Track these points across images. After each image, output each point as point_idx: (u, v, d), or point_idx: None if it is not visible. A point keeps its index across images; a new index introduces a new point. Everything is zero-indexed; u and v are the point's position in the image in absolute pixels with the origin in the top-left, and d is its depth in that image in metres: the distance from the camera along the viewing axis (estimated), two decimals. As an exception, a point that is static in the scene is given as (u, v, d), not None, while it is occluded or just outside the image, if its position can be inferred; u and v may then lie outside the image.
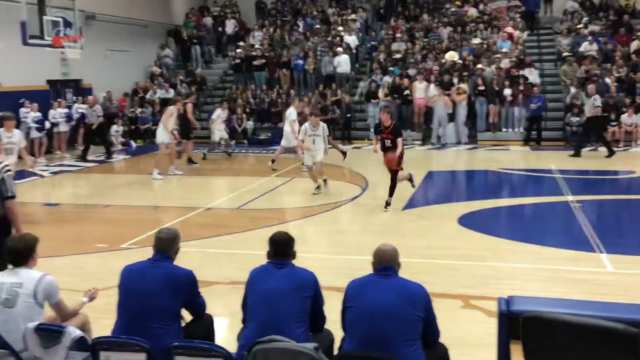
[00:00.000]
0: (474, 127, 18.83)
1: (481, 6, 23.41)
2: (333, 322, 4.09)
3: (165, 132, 13.43)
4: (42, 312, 3.88)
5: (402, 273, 3.85)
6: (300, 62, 21.40)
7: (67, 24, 14.62)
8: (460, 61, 19.91)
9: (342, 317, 3.81)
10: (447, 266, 7.17)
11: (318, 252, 7.56)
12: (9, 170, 5.40)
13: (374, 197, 11.50)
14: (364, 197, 11.34)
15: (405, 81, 19.22)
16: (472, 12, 23.11)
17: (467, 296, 6.15)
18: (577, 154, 15.60)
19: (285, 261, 4.02)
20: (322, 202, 10.79)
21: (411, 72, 19.95)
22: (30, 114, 16.40)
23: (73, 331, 3.52)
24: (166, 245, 4.08)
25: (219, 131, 16.36)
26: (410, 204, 10.62)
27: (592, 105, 15.48)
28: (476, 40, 21.07)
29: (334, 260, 7.50)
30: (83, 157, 16.78)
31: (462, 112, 18.39)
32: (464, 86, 18.51)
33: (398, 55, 21.10)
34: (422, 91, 18.81)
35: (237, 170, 15.39)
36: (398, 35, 22.16)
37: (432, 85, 18.78)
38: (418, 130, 19.22)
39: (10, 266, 4.06)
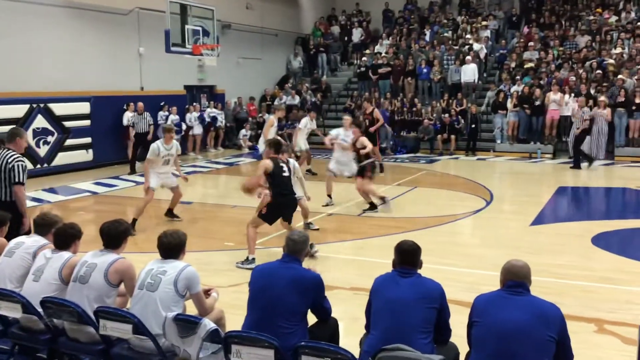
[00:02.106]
0: (612, 142, 17.66)
1: (623, 14, 21.94)
2: (456, 336, 4.00)
3: (262, 143, 13.78)
4: (180, 302, 4.10)
5: (532, 292, 3.68)
6: (425, 70, 21.19)
7: (205, 32, 15.47)
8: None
9: (468, 332, 3.70)
10: (581, 287, 6.77)
11: (439, 263, 7.41)
12: (20, 161, 6.26)
13: (498, 210, 11.14)
14: (488, 211, 10.98)
15: (537, 91, 18.41)
16: (613, 20, 21.72)
17: (602, 320, 5.76)
18: None
19: (412, 270, 3.98)
20: (444, 214, 10.59)
21: (544, 82, 19.12)
22: (170, 117, 17.50)
23: (208, 323, 3.71)
24: (298, 247, 4.20)
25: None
26: (539, 220, 10.16)
27: None
28: (617, 50, 19.78)
29: (455, 273, 7.31)
30: (132, 171, 15.12)
31: (599, 126, 17.26)
32: (604, 98, 17.42)
33: (530, 65, 20.28)
34: (556, 102, 17.94)
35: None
36: (531, 43, 21.30)
37: (566, 96, 17.88)
38: (548, 143, 18.36)
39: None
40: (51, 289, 4.39)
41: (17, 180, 6.18)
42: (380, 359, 3.29)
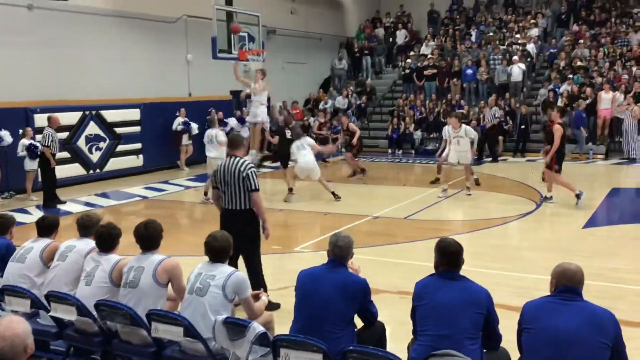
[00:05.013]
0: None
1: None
2: (507, 342, 3.92)
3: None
4: (229, 306, 4.14)
5: (586, 296, 3.58)
6: (471, 71, 20.91)
7: (251, 38, 15.61)
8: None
9: (519, 338, 3.62)
10: (636, 292, 6.56)
11: (488, 267, 7.30)
12: (252, 167, 6.15)
13: (549, 213, 10.88)
14: (538, 213, 10.74)
15: (588, 90, 17.93)
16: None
17: (659, 327, 5.57)
18: None
19: (455, 272, 3.88)
20: (492, 217, 10.41)
21: (595, 80, 18.60)
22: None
23: (257, 327, 3.73)
24: (343, 252, 4.18)
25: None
26: (591, 223, 9.88)
27: None
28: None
29: (505, 277, 7.19)
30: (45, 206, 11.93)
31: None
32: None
33: (580, 63, 19.77)
34: (609, 101, 17.43)
35: (404, 180, 15.37)
36: (581, 41, 20.78)
37: (619, 95, 17.35)
38: (600, 143, 17.84)
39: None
40: (103, 292, 4.50)
41: (253, 187, 6.10)
42: (429, 364, 3.25)
